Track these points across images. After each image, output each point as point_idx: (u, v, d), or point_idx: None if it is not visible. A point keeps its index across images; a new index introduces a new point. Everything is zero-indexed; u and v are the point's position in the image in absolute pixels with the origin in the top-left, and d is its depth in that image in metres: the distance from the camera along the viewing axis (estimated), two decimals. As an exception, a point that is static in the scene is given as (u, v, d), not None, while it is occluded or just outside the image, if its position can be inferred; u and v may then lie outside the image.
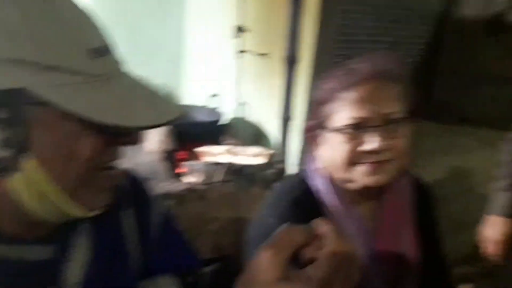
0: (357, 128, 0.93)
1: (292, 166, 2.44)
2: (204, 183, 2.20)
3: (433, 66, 5.34)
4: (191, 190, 2.15)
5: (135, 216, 0.86)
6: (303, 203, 1.00)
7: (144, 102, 0.66)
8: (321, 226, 0.57)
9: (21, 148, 0.57)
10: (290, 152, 2.49)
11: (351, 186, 0.98)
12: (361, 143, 0.93)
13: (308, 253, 0.55)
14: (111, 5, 3.25)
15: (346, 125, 0.93)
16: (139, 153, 2.31)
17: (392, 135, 0.93)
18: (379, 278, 1.03)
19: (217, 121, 2.75)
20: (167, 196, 2.05)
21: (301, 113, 2.38)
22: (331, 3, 2.70)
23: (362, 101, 0.92)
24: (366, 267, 1.00)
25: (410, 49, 5.06)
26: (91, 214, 0.67)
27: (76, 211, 0.64)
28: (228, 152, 2.32)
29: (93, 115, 0.59)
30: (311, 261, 0.54)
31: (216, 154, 2.33)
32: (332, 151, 0.97)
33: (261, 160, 2.29)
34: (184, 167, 2.26)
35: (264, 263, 0.53)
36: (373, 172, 0.93)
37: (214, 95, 3.09)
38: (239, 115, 2.92)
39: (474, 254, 1.85)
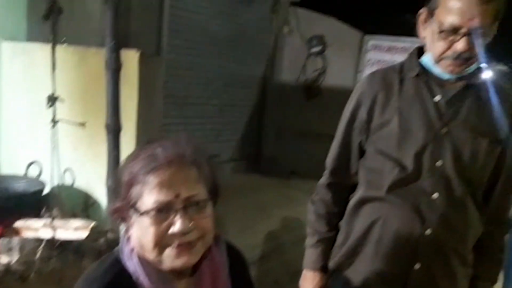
0: (162, 211, 0.98)
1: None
2: (23, 261, 2.06)
3: (260, 126, 5.85)
4: (8, 272, 1.99)
5: None
6: (117, 286, 1.00)
7: None
8: None
9: None
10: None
11: (163, 267, 1.01)
12: (167, 225, 0.98)
13: None
14: None
15: (151, 209, 0.98)
16: None
17: (196, 216, 1.01)
18: None
19: (38, 191, 2.60)
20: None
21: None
22: (153, 71, 2.84)
23: (164, 185, 0.97)
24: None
25: (238, 111, 5.47)
26: None
27: None
28: (49, 226, 2.22)
29: None
30: None
31: (36, 228, 2.21)
32: (141, 233, 1.00)
33: (83, 234, 2.23)
34: (-2, 245, 2.08)
35: None
36: (181, 254, 0.97)
37: (31, 163, 2.93)
38: (64, 183, 2.82)
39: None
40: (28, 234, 2.16)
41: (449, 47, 1.15)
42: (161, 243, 0.98)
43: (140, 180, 1.02)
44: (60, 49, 2.68)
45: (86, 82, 2.73)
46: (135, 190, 1.03)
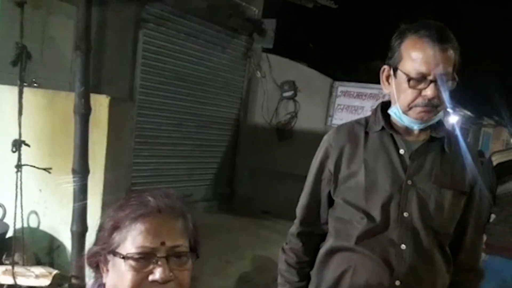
0: (143, 258, 0.98)
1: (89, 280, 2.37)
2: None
3: (233, 166, 5.87)
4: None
5: None
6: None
7: None
8: None
9: None
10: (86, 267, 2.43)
11: None
12: (146, 273, 0.98)
13: None
14: None
15: (134, 253, 0.98)
16: None
17: (176, 268, 1.01)
18: None
19: (0, 234, 2.55)
20: None
21: (95, 226, 2.37)
22: (124, 114, 2.85)
23: (150, 232, 0.97)
24: None
25: (211, 151, 5.51)
26: None
27: None
28: (9, 273, 2.16)
29: None
30: None
31: (-4, 274, 2.15)
32: (117, 279, 0.99)
33: (46, 281, 2.17)
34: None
35: None
36: None
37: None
38: (28, 225, 2.77)
39: None
40: (-14, 280, 2.10)
41: (418, 95, 1.21)
42: None
43: (126, 225, 1.00)
44: (30, 91, 2.68)
45: (54, 125, 2.72)
46: (118, 235, 1.01)
